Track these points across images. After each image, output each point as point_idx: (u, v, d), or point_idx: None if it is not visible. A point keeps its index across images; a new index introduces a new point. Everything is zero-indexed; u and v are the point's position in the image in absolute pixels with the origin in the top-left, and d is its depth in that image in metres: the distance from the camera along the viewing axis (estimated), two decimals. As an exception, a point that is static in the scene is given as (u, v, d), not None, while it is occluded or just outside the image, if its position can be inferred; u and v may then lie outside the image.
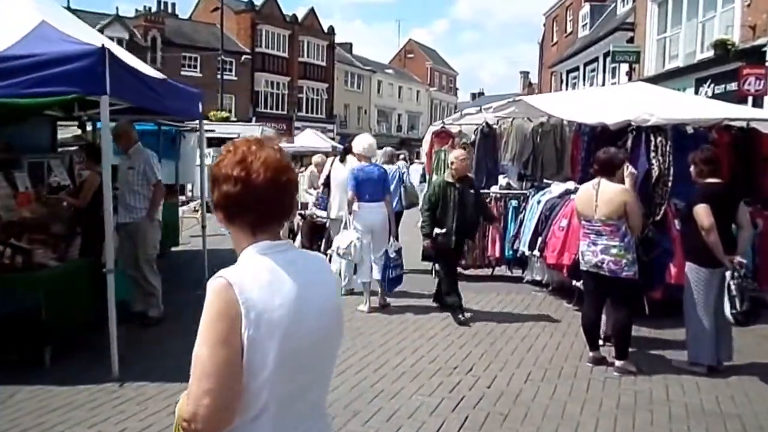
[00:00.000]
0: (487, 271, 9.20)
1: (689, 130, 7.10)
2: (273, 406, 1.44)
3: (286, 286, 1.47)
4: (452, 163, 6.87)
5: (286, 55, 44.16)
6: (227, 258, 1.56)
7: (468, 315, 6.86)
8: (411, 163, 25.14)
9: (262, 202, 1.49)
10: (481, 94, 71.97)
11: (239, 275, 1.43)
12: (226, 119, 25.89)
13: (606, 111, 7.01)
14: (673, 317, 5.88)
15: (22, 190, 6.75)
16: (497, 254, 8.81)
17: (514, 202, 8.70)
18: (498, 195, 8.98)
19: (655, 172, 6.56)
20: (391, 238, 7.31)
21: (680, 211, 5.93)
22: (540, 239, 7.60)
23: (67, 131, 10.09)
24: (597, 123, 7.03)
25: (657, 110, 6.69)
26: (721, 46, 14.33)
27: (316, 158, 11.39)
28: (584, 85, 26.44)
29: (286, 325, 1.43)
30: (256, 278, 1.44)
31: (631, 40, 20.53)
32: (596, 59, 25.08)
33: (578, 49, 26.67)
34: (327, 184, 8.89)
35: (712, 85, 15.04)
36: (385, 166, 8.32)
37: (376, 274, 7.20)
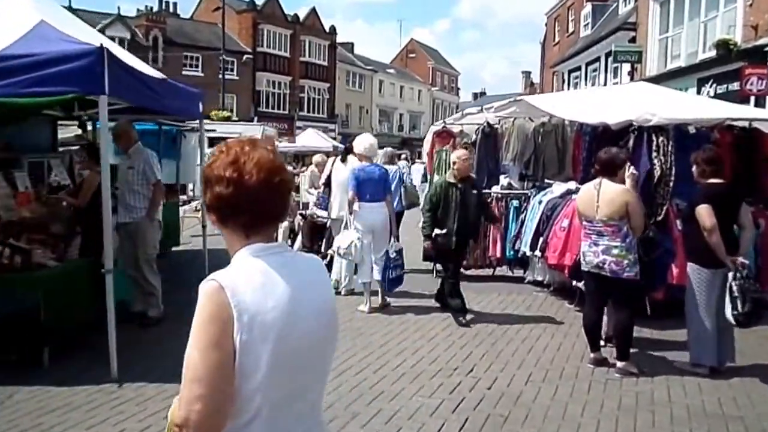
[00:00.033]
0: (489, 272, 9.17)
1: (691, 130, 7.07)
2: (266, 410, 1.42)
3: (279, 288, 1.44)
4: (454, 163, 6.82)
5: (287, 54, 44.16)
6: (228, 258, 1.54)
7: (469, 317, 6.82)
8: (412, 163, 25.15)
9: (255, 204, 1.47)
10: (483, 93, 71.98)
11: (231, 278, 1.41)
12: (228, 119, 25.90)
13: (608, 111, 6.98)
14: (675, 318, 5.85)
15: (21, 189, 6.74)
16: (498, 254, 8.79)
17: (515, 202, 8.67)
18: (499, 195, 8.95)
19: (656, 172, 6.53)
20: (392, 239, 7.28)
21: (682, 212, 5.90)
22: (541, 239, 7.57)
23: (69, 131, 10.07)
24: (598, 123, 7.01)
25: (659, 110, 6.66)
26: (723, 45, 14.29)
27: (316, 158, 11.36)
28: (586, 85, 26.39)
29: (280, 328, 1.41)
30: (248, 281, 1.42)
31: (633, 40, 20.49)
32: (598, 59, 25.04)
33: (580, 49, 26.62)
34: (328, 183, 8.87)
35: (714, 85, 15.01)
36: (386, 167, 8.29)
37: (377, 275, 7.18)
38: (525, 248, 7.95)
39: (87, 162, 7.15)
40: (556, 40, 33.82)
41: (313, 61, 46.08)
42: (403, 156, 25.80)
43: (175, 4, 42.58)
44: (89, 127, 9.21)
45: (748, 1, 14.09)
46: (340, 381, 4.91)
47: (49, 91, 4.80)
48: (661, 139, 6.58)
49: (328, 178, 8.84)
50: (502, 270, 9.13)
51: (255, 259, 1.47)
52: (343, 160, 8.35)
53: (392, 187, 8.01)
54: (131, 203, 6.37)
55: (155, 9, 39.37)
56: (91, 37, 5.75)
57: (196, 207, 14.21)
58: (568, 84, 29.17)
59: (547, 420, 4.31)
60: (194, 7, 46.05)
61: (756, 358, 5.60)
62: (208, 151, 10.32)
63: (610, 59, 22.08)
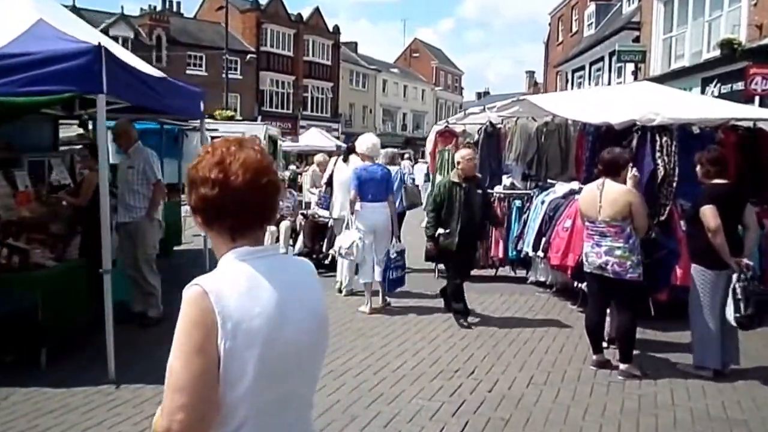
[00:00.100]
0: (491, 272, 9.12)
1: (695, 130, 7.01)
2: (253, 418, 1.37)
3: (265, 293, 1.40)
4: (458, 162, 6.71)
5: (291, 54, 44.18)
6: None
7: (471, 320, 6.75)
8: (415, 163, 25.14)
9: (241, 206, 1.42)
10: (487, 93, 71.86)
11: (216, 283, 1.36)
12: (232, 118, 25.86)
13: (611, 110, 6.93)
14: (679, 319, 5.78)
15: (21, 189, 6.71)
16: (501, 255, 8.72)
17: (517, 202, 8.60)
18: (502, 195, 8.88)
19: (660, 173, 6.47)
20: (394, 239, 7.23)
21: (686, 212, 5.84)
22: (544, 240, 7.52)
23: (71, 130, 10.04)
24: (602, 122, 6.95)
25: (662, 110, 6.60)
26: (727, 45, 14.20)
27: (318, 157, 11.35)
28: (590, 84, 26.31)
29: (266, 334, 1.36)
30: (234, 286, 1.37)
31: (636, 40, 20.40)
32: (602, 59, 24.96)
33: (584, 49, 26.56)
34: (330, 183, 8.84)
35: (719, 85, 14.93)
36: (387, 167, 8.23)
37: (378, 275, 7.13)
38: (527, 249, 7.90)
39: (88, 161, 7.12)
40: (560, 39, 33.74)
41: (316, 60, 46.09)
42: (406, 156, 25.86)
43: (178, 3, 42.71)
44: (90, 126, 9.19)
45: (752, 0, 14.00)
46: (339, 383, 4.87)
47: (47, 90, 4.76)
48: (664, 139, 6.52)
49: (330, 177, 8.81)
50: (505, 270, 9.07)
51: (241, 263, 1.42)
52: (345, 160, 8.31)
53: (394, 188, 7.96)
54: (131, 203, 6.33)
55: (159, 8, 39.44)
56: (90, 36, 5.72)
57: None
58: (572, 84, 29.08)
59: (548, 423, 4.26)
60: (198, 6, 46.22)
61: (761, 361, 5.53)
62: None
63: (613, 59, 22.00)
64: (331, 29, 48.11)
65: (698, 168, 5.25)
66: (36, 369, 4.97)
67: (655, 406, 4.58)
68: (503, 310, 7.36)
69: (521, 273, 8.85)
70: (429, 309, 7.25)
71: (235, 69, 38.83)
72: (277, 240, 9.56)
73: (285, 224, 9.67)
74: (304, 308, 1.48)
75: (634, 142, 6.61)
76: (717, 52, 14.90)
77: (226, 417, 1.35)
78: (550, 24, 36.32)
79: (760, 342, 5.86)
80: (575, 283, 6.87)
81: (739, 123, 7.36)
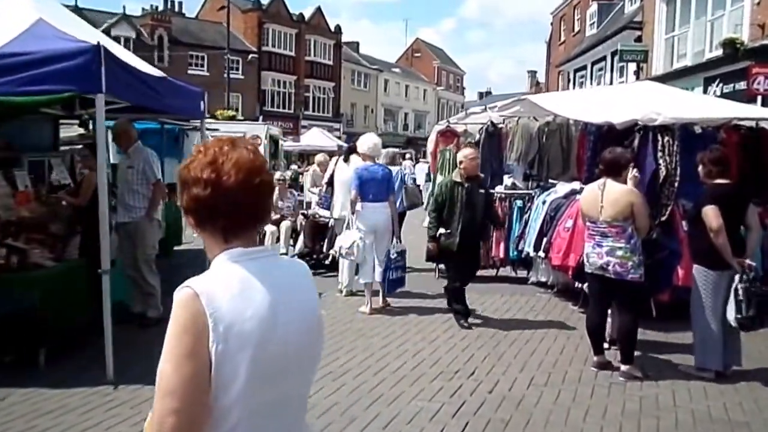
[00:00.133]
0: (492, 272, 9.08)
1: (697, 129, 6.97)
2: (245, 423, 1.35)
3: (258, 295, 1.37)
4: (461, 162, 6.65)
5: (292, 54, 44.18)
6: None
7: (472, 320, 6.72)
8: (417, 162, 25.13)
9: (233, 206, 1.39)
10: (489, 93, 71.76)
11: (207, 285, 1.34)
12: (233, 118, 25.84)
13: (612, 110, 6.90)
14: (681, 320, 5.76)
15: (21, 188, 6.70)
16: (502, 255, 8.69)
17: (519, 202, 8.57)
18: (503, 195, 8.85)
19: (662, 172, 6.44)
20: (394, 239, 7.21)
21: (688, 213, 5.81)
22: (545, 240, 7.49)
23: (72, 129, 10.03)
24: (603, 122, 6.92)
25: (664, 109, 6.57)
26: (730, 44, 14.15)
27: (319, 157, 11.35)
28: (592, 84, 26.25)
29: (259, 336, 1.34)
30: (226, 288, 1.35)
31: (639, 39, 20.34)
32: (604, 58, 24.90)
33: (586, 48, 26.50)
34: (331, 183, 8.82)
35: (721, 85, 14.87)
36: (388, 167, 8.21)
37: (378, 276, 7.10)
38: (528, 249, 7.87)
39: (88, 161, 7.11)
40: (562, 39, 33.69)
41: (318, 60, 46.08)
42: (407, 156, 25.84)
43: (180, 3, 42.71)
44: (91, 126, 9.17)
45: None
46: (338, 384, 4.85)
47: (46, 89, 4.75)
48: (666, 138, 6.50)
49: (331, 177, 8.79)
50: (506, 271, 9.04)
51: (234, 264, 1.40)
52: (346, 160, 8.29)
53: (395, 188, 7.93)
54: (130, 203, 6.32)
55: (160, 8, 39.44)
56: (91, 35, 5.70)
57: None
58: (574, 83, 29.03)
59: (548, 425, 4.23)
60: (199, 6, 46.19)
61: (763, 362, 5.50)
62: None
63: (616, 58, 21.94)
64: (332, 29, 48.09)
65: (700, 168, 5.22)
66: (34, 369, 4.95)
67: (657, 408, 4.55)
68: (504, 311, 7.33)
69: (522, 273, 8.81)
70: (429, 309, 7.23)
71: (237, 69, 38.85)
72: (278, 240, 9.55)
73: (285, 224, 9.66)
74: (297, 310, 1.46)
75: (636, 142, 6.59)
76: (719, 52, 14.85)
77: (219, 420, 1.32)
78: (552, 23, 36.27)
79: (762, 343, 5.83)
80: (576, 284, 6.83)
81: (742, 123, 7.33)
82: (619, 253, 5.01)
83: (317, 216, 9.62)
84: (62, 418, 4.16)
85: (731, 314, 4.89)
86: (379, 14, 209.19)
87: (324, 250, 9.34)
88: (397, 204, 7.98)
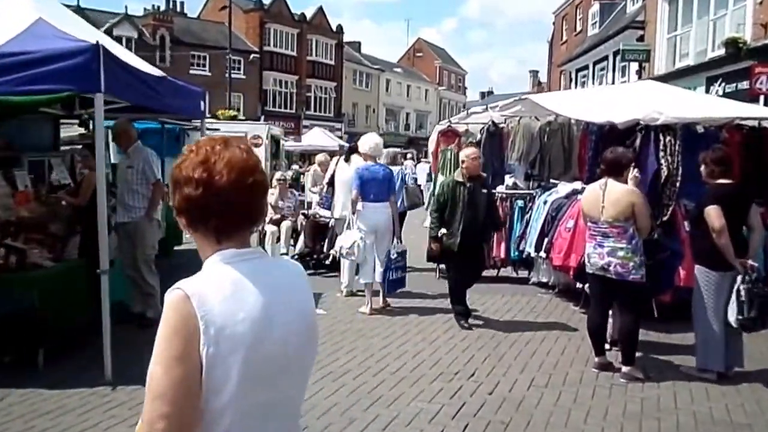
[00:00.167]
0: (493, 273, 9.04)
1: (699, 129, 6.93)
2: (238, 425, 1.32)
3: (251, 297, 1.35)
4: (463, 161, 6.59)
5: (294, 53, 44.17)
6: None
7: (472, 321, 6.69)
8: (418, 162, 25.11)
9: (226, 206, 1.37)
10: (491, 92, 71.66)
11: (199, 286, 1.31)
12: (235, 118, 25.85)
13: (614, 109, 6.87)
14: (683, 321, 5.73)
15: (21, 188, 6.70)
16: (503, 255, 8.65)
17: (520, 202, 8.54)
18: (504, 195, 8.82)
19: (663, 172, 6.42)
20: (395, 239, 7.18)
21: (689, 213, 5.78)
22: (546, 240, 7.46)
23: (73, 129, 10.03)
24: (605, 122, 6.89)
25: (666, 109, 6.54)
26: (732, 44, 14.11)
27: (319, 157, 11.32)
28: (594, 83, 26.19)
29: (251, 339, 1.32)
30: (218, 289, 1.32)
31: (641, 39, 20.29)
32: (606, 58, 24.84)
33: (588, 48, 26.44)
34: (331, 183, 8.79)
35: (723, 84, 14.83)
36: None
37: (378, 276, 7.08)
38: (530, 249, 7.85)
39: (88, 161, 7.10)
40: (564, 38, 33.64)
41: (319, 60, 46.07)
42: (408, 156, 25.82)
43: (182, 3, 42.71)
44: (91, 126, 9.16)
45: (758, -1, 13.92)
46: (338, 385, 4.82)
47: (45, 89, 4.74)
48: (668, 138, 6.47)
49: (332, 177, 8.77)
50: (507, 271, 9.00)
51: (226, 266, 1.37)
52: (347, 160, 8.27)
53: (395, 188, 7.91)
54: (130, 203, 6.30)
55: (162, 8, 39.45)
56: (91, 35, 5.67)
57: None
58: (576, 83, 28.98)
59: (549, 427, 4.21)
60: (201, 6, 46.20)
61: (765, 363, 5.47)
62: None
63: (618, 58, 21.89)
64: (334, 29, 48.06)
65: (702, 168, 5.19)
66: (32, 370, 4.93)
67: (658, 410, 4.52)
68: (505, 311, 7.30)
69: (523, 274, 8.78)
70: (430, 310, 7.20)
71: (239, 69, 38.86)
72: (278, 240, 9.53)
73: (286, 224, 9.63)
74: (291, 311, 1.44)
75: (638, 142, 6.56)
76: (722, 51, 14.81)
77: (210, 423, 1.30)
78: (554, 23, 36.22)
79: (764, 344, 5.80)
80: (577, 284, 6.81)
81: (744, 122, 7.29)
82: (621, 253, 4.99)
83: (318, 216, 9.60)
84: (60, 418, 4.14)
85: (732, 315, 4.85)
86: (381, 14, 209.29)
87: (324, 250, 9.31)
88: (398, 204, 7.96)
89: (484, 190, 6.65)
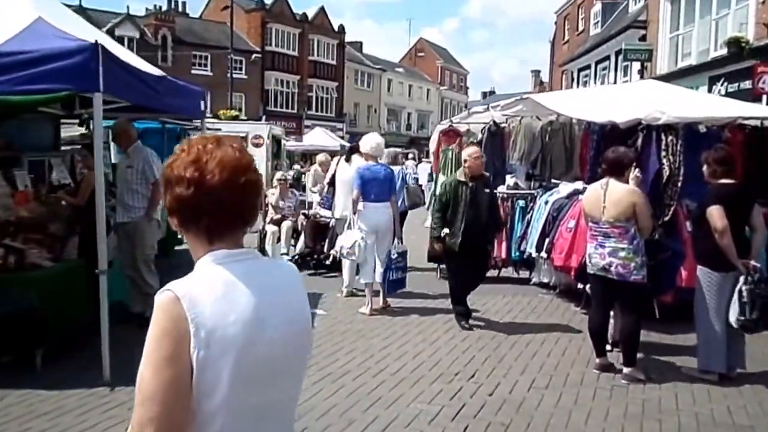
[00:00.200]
0: (493, 273, 9.00)
1: (701, 129, 6.90)
2: (230, 428, 1.30)
3: (242, 299, 1.33)
4: (465, 161, 6.54)
5: (296, 53, 44.15)
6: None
7: (473, 321, 6.66)
8: (419, 162, 25.09)
9: (218, 206, 1.35)
10: (492, 92, 71.61)
11: (189, 288, 1.29)
12: (236, 118, 25.85)
13: (616, 109, 6.84)
14: (684, 322, 5.70)
15: (21, 188, 6.68)
16: (503, 255, 8.62)
17: (521, 202, 8.51)
18: (505, 195, 8.79)
19: (665, 172, 6.39)
20: (395, 239, 7.16)
21: (691, 213, 5.75)
22: (547, 240, 7.43)
23: (74, 129, 10.01)
24: (607, 121, 6.86)
25: (668, 108, 6.51)
26: (734, 43, 14.08)
27: (320, 157, 11.30)
28: (596, 83, 26.16)
29: (243, 341, 1.30)
30: (210, 291, 1.30)
31: (643, 38, 20.26)
32: (608, 57, 24.80)
33: (590, 48, 26.41)
34: (332, 183, 8.77)
35: (726, 84, 14.80)
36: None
37: (379, 276, 7.06)
38: (531, 249, 7.82)
39: (88, 160, 7.08)
40: (566, 38, 33.61)
41: (321, 60, 46.06)
42: (410, 155, 25.79)
43: (184, 3, 42.75)
44: (92, 126, 9.15)
45: (760, -2, 13.88)
46: (337, 386, 4.79)
47: (44, 88, 4.73)
48: (670, 138, 6.44)
49: (333, 177, 8.74)
50: (507, 271, 8.97)
51: (218, 266, 1.35)
52: (348, 160, 8.24)
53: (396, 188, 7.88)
54: (130, 203, 6.28)
55: (164, 8, 39.48)
56: (91, 34, 5.65)
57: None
58: (578, 83, 28.95)
59: (549, 428, 4.18)
60: (203, 6, 46.25)
61: (767, 365, 5.43)
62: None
63: (620, 58, 21.85)
64: (336, 29, 48.06)
65: (705, 168, 5.16)
66: (31, 370, 4.91)
67: (659, 411, 4.49)
68: (505, 312, 7.28)
69: (524, 274, 8.75)
70: (430, 310, 7.18)
71: (240, 69, 38.88)
72: (279, 240, 9.52)
73: (286, 224, 9.62)
74: (284, 312, 1.41)
75: (639, 142, 6.53)
76: (724, 51, 14.77)
77: (202, 425, 1.28)
78: (556, 23, 36.19)
79: (766, 345, 5.76)
80: (579, 285, 6.78)
81: (747, 122, 7.25)
82: (622, 254, 4.96)
83: (318, 216, 9.58)
84: (59, 419, 4.12)
85: (733, 316, 4.82)
86: (383, 14, 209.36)
87: (325, 250, 9.30)
88: (399, 204, 7.94)
89: (487, 190, 6.61)
